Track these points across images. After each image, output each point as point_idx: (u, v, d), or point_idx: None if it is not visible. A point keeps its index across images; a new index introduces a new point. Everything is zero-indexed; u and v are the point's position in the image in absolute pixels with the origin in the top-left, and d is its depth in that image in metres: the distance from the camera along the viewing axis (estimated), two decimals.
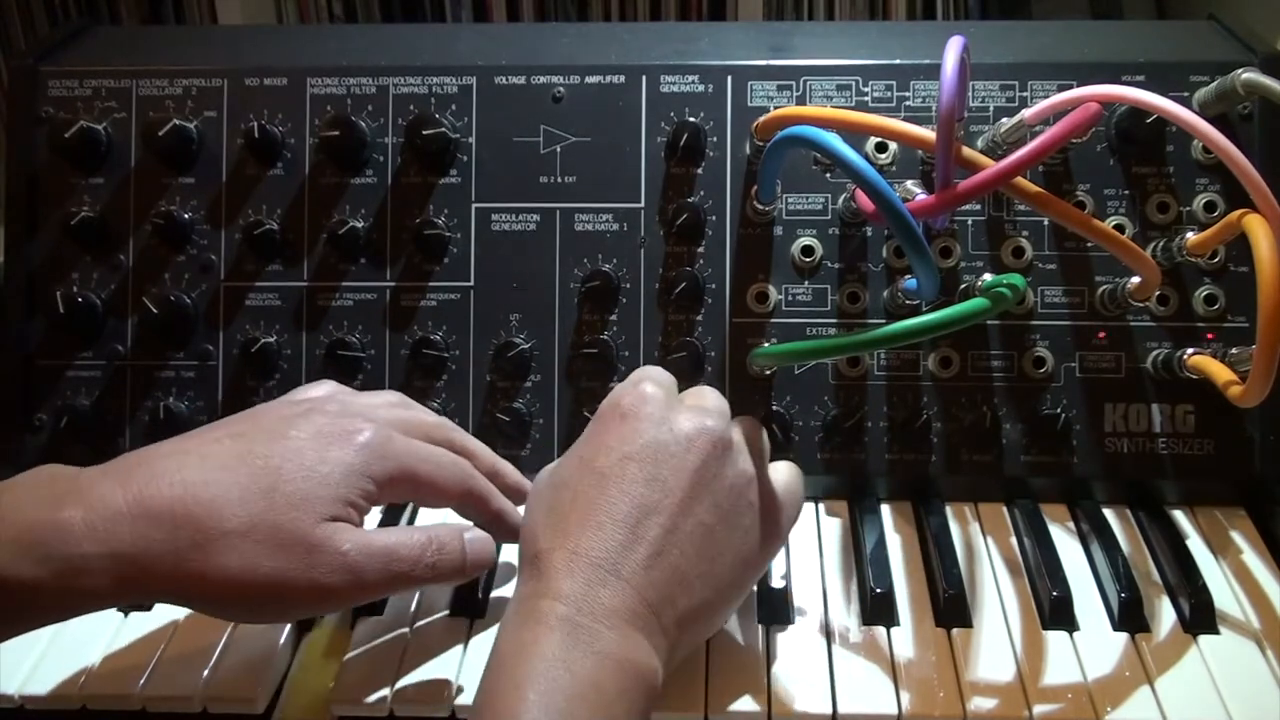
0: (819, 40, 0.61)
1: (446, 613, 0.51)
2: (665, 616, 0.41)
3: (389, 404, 0.49)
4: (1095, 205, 0.56)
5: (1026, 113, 0.52)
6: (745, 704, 0.46)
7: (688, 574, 0.42)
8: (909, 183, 0.56)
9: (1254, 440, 0.55)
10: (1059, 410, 0.55)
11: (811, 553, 0.54)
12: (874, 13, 0.91)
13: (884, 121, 0.47)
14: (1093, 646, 0.48)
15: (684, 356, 0.56)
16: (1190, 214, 0.56)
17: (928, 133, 0.46)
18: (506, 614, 0.41)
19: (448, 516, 0.50)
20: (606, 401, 0.46)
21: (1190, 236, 0.53)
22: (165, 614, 0.51)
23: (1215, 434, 0.56)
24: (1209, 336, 0.56)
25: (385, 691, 0.47)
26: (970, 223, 0.57)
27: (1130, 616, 0.49)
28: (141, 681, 0.48)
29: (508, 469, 0.51)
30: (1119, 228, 0.56)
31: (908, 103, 0.58)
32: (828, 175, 0.57)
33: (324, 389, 0.49)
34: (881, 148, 0.57)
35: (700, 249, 0.58)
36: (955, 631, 0.49)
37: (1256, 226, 0.44)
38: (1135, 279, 0.54)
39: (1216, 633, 0.49)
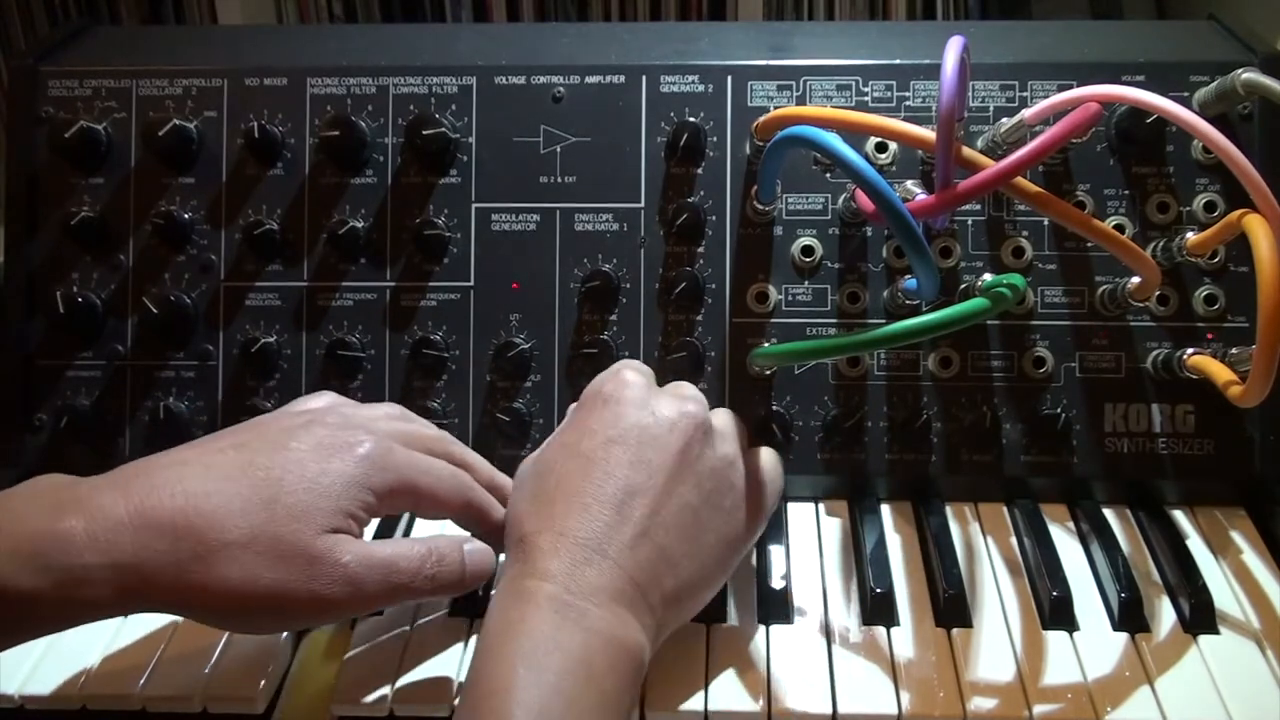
0: (819, 40, 0.61)
1: (446, 613, 0.51)
2: (652, 595, 0.42)
3: (389, 416, 0.49)
4: (1095, 205, 0.56)
5: (1026, 113, 0.52)
6: (745, 704, 0.46)
7: (673, 553, 0.43)
8: (909, 183, 0.56)
9: (1254, 440, 0.55)
10: (1059, 410, 0.55)
11: (811, 553, 0.54)
12: (874, 13, 0.91)
13: (884, 121, 0.47)
14: (1093, 646, 0.48)
15: (684, 356, 0.56)
16: (1190, 214, 0.56)
17: (928, 133, 0.46)
18: (493, 596, 0.42)
19: (445, 528, 0.50)
20: (589, 389, 0.47)
21: (1190, 236, 0.53)
22: (165, 614, 0.51)
23: (1215, 434, 0.56)
24: (1209, 336, 0.56)
25: (385, 691, 0.47)
26: (970, 223, 0.57)
27: (1130, 616, 0.49)
28: (141, 681, 0.48)
29: (505, 481, 0.51)
30: (1119, 228, 0.56)
31: (908, 103, 0.58)
32: (828, 175, 0.57)
33: (324, 400, 0.49)
34: (881, 148, 0.57)
35: (700, 249, 0.58)
36: (955, 631, 0.49)
37: (1256, 226, 0.44)
38: (1135, 279, 0.54)
39: (1216, 633, 0.49)
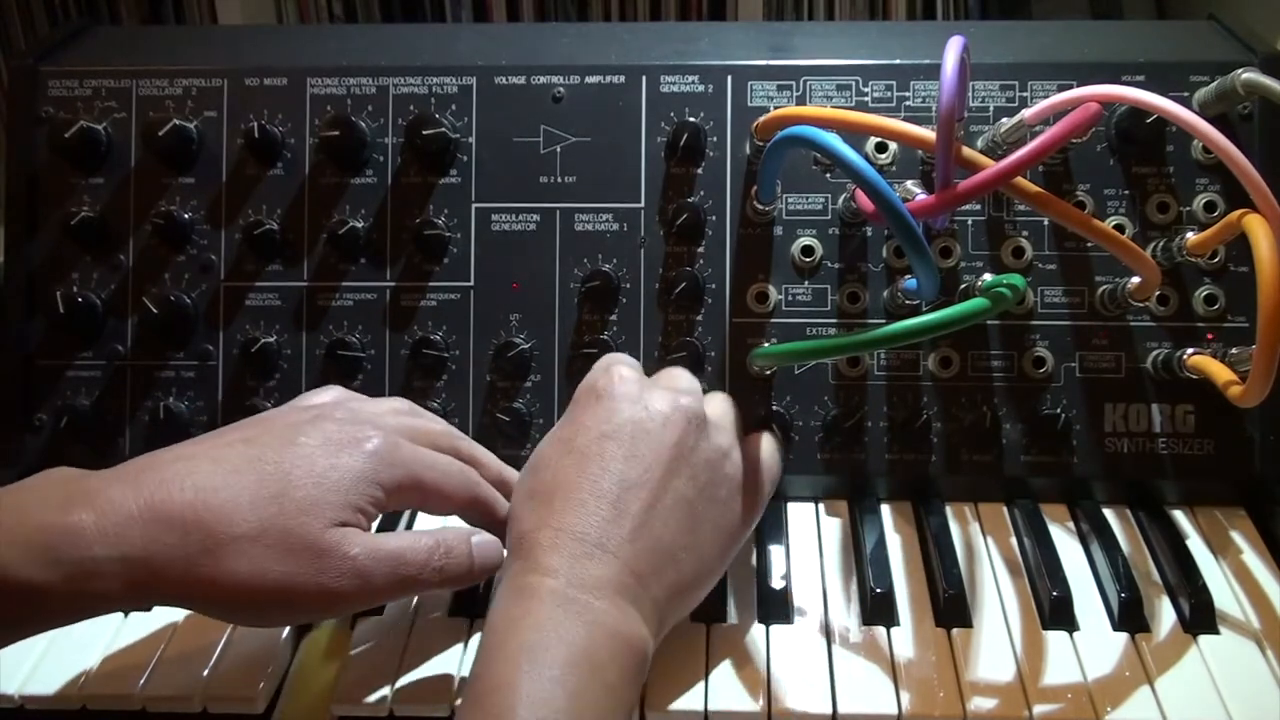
0: (819, 40, 0.61)
1: (446, 612, 0.51)
2: (653, 588, 0.42)
3: (396, 411, 0.49)
4: (1095, 205, 0.56)
5: (1026, 113, 0.52)
6: (745, 703, 0.46)
7: (672, 546, 0.43)
8: (909, 183, 0.56)
9: (1254, 440, 0.55)
10: (1059, 410, 0.55)
11: (811, 553, 0.54)
12: (874, 13, 0.91)
13: (884, 121, 0.47)
14: (1093, 646, 0.48)
15: (684, 356, 0.56)
16: (1190, 214, 0.56)
17: (928, 133, 0.46)
18: (495, 594, 0.42)
19: (449, 522, 0.50)
20: (582, 385, 0.47)
21: (1190, 236, 0.53)
22: (165, 614, 0.51)
23: (1215, 434, 0.56)
24: (1209, 336, 0.56)
25: (385, 691, 0.47)
26: (970, 223, 0.57)
27: (1130, 616, 0.49)
28: (141, 681, 0.48)
29: (513, 476, 0.51)
30: (1119, 228, 0.56)
31: (908, 103, 0.58)
32: (828, 175, 0.57)
33: (330, 394, 0.49)
34: (881, 148, 0.57)
35: (700, 249, 0.58)
36: (955, 631, 0.49)
37: (1256, 226, 0.44)
38: (1135, 279, 0.54)
39: (1216, 633, 0.49)
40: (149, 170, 0.59)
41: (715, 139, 0.58)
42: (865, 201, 0.53)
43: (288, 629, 0.50)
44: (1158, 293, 0.55)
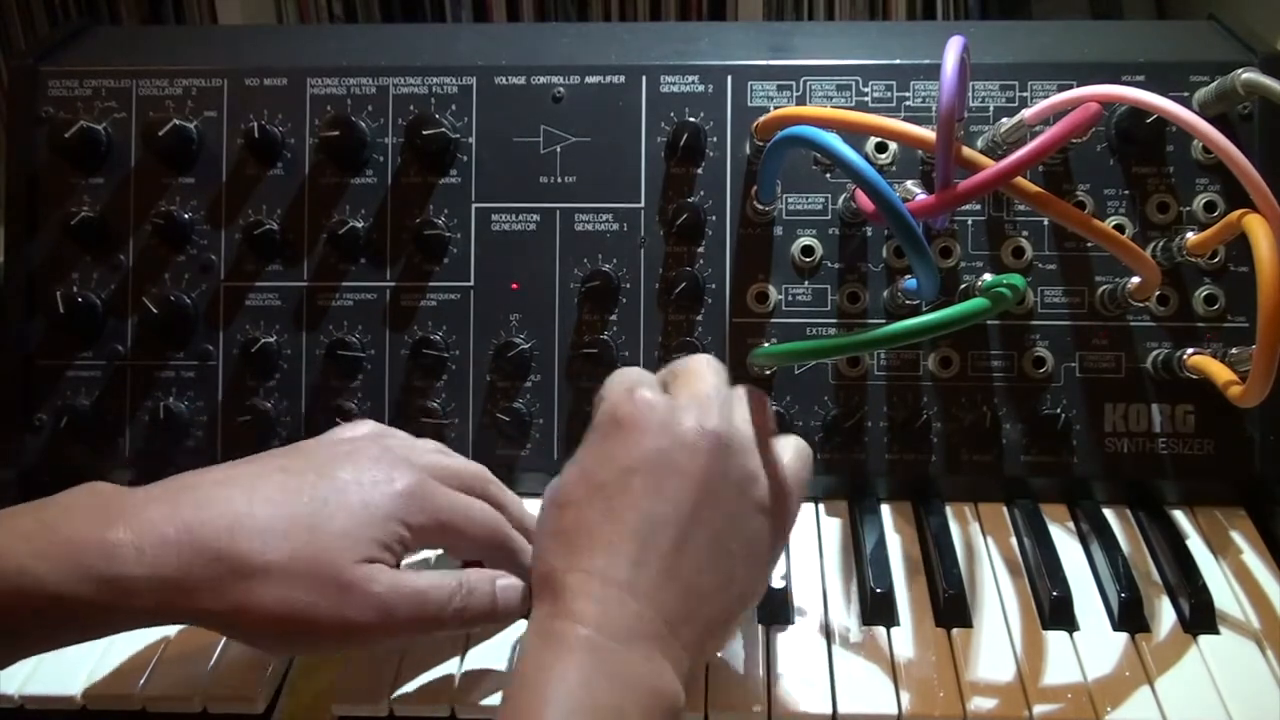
0: (819, 40, 0.61)
1: None
2: (684, 633, 0.40)
3: (428, 451, 0.49)
4: (1095, 205, 0.56)
5: (1026, 113, 0.52)
6: (745, 704, 0.46)
7: (703, 586, 0.41)
8: (909, 183, 0.56)
9: (1254, 440, 0.55)
10: (1059, 410, 0.55)
11: (811, 553, 0.54)
12: (874, 13, 0.91)
13: (884, 121, 0.47)
14: (1093, 646, 0.48)
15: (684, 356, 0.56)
16: (1190, 214, 0.56)
17: (928, 133, 0.46)
18: (525, 635, 0.41)
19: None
20: (602, 411, 0.44)
21: (1190, 236, 0.53)
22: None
23: (1215, 434, 0.56)
24: (1209, 336, 0.56)
25: (385, 691, 0.47)
26: (970, 223, 0.57)
27: (1130, 616, 0.49)
28: (141, 681, 0.48)
29: (534, 521, 0.50)
30: (1119, 228, 0.56)
31: (908, 103, 0.58)
32: (828, 175, 0.57)
33: (365, 429, 0.50)
34: (881, 148, 0.57)
35: (700, 249, 0.58)
36: (955, 631, 0.49)
37: (1256, 226, 0.44)
38: (1135, 279, 0.54)
39: (1216, 633, 0.49)
40: (149, 170, 0.59)
41: (715, 139, 0.58)
42: (865, 201, 0.53)
43: None
44: (1158, 293, 0.55)
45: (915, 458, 0.56)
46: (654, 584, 0.40)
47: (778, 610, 0.50)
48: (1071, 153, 0.57)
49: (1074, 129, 0.45)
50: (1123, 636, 0.49)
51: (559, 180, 0.58)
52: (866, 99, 0.58)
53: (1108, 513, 0.56)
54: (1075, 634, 0.49)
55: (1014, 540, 0.55)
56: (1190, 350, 0.54)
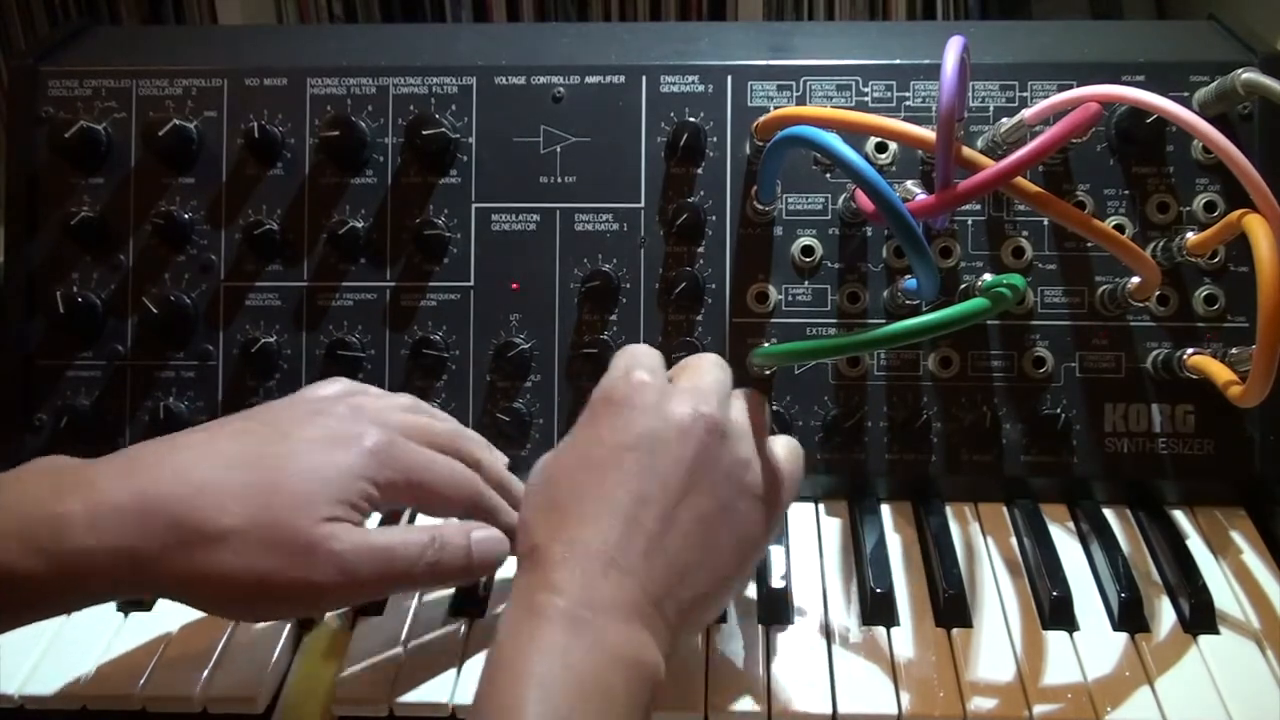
0: (819, 40, 0.61)
1: (447, 612, 0.51)
2: (666, 608, 0.40)
3: (400, 408, 0.48)
4: (1095, 205, 0.56)
5: (1026, 113, 0.52)
6: (745, 704, 0.46)
7: (687, 564, 0.41)
8: (909, 183, 0.56)
9: (1254, 440, 0.55)
10: (1059, 410, 0.55)
11: (811, 553, 0.54)
12: (874, 13, 0.91)
13: (884, 121, 0.47)
14: (1093, 646, 0.48)
15: (684, 356, 0.55)
16: (1190, 214, 0.56)
17: (928, 133, 0.46)
18: (505, 607, 0.41)
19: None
20: (598, 390, 0.45)
21: (1190, 236, 0.53)
22: (165, 614, 0.51)
23: (1215, 434, 0.56)
24: (1209, 336, 0.56)
25: (385, 691, 0.47)
26: (970, 223, 0.57)
27: (1130, 616, 0.49)
28: (141, 681, 0.48)
29: (514, 482, 0.50)
30: (1119, 228, 0.56)
31: (908, 103, 0.58)
32: (828, 175, 0.57)
33: (337, 386, 0.49)
34: (881, 148, 0.57)
35: (700, 249, 0.58)
36: (955, 631, 0.49)
37: (1256, 226, 0.44)
38: (1135, 279, 0.54)
39: (1216, 633, 0.49)
40: (149, 170, 0.59)
41: (715, 139, 0.58)
42: (865, 201, 0.53)
43: (287, 629, 0.50)
44: (1158, 293, 0.55)
45: (915, 458, 0.56)
46: (638, 558, 0.40)
47: (778, 610, 0.50)
48: (1071, 153, 0.57)
49: (1074, 129, 0.45)
50: (1123, 636, 0.49)
51: (559, 180, 0.58)
52: (866, 99, 0.58)
53: (1108, 513, 0.56)
54: (1075, 634, 0.49)
55: (1014, 540, 0.55)
56: (1190, 350, 0.54)
